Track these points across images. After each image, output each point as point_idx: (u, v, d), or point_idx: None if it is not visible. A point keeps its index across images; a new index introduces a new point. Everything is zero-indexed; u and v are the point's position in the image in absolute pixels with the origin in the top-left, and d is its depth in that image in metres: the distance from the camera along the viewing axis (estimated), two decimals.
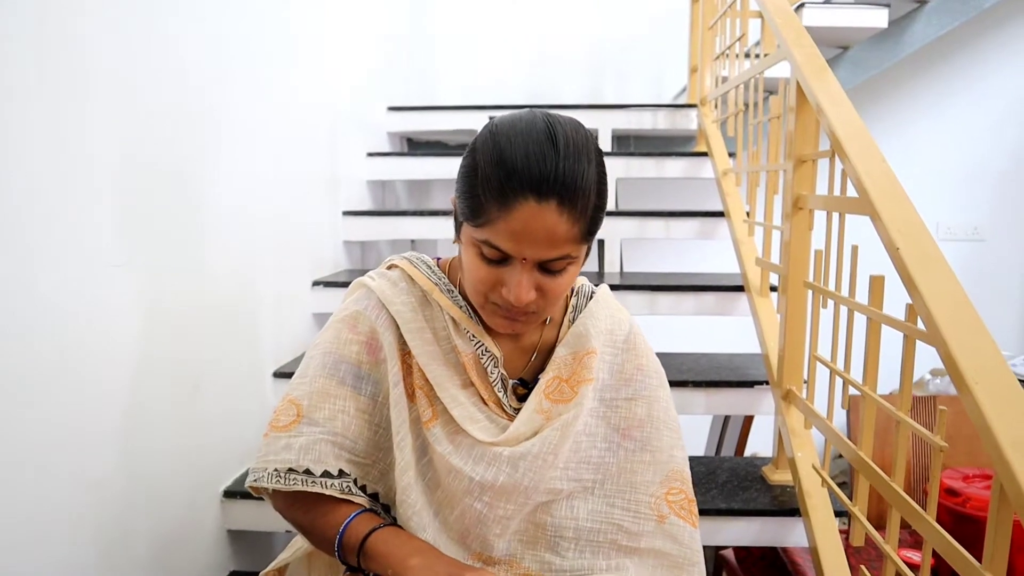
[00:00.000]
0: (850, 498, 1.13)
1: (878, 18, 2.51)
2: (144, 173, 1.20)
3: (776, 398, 1.48)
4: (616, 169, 2.40)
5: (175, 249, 1.30)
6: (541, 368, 0.93)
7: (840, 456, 2.92)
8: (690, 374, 1.74)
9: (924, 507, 0.90)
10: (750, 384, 1.69)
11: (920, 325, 0.91)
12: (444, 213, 2.21)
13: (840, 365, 1.20)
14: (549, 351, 0.94)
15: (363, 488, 0.90)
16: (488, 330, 0.91)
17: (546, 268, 0.79)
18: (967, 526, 1.54)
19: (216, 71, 1.43)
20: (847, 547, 1.24)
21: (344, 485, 0.87)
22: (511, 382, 0.93)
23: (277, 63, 1.73)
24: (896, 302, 1.01)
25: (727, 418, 2.35)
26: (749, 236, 1.89)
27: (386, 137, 2.77)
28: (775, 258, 1.58)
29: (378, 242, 2.55)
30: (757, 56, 1.77)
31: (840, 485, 1.22)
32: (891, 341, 1.03)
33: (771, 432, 1.56)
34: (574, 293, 0.98)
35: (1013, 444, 0.70)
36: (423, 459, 0.89)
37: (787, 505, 1.42)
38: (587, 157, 0.76)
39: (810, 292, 1.35)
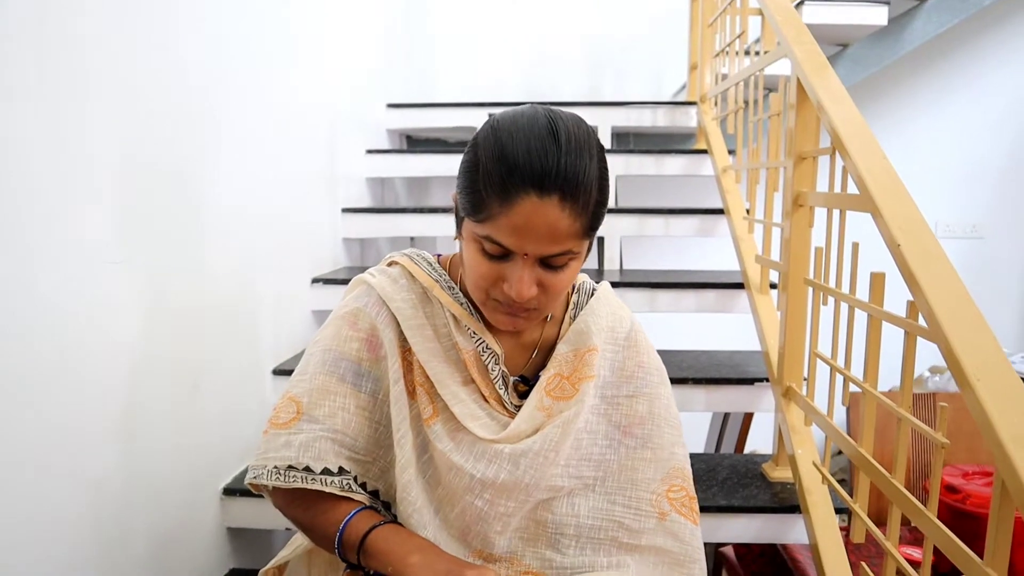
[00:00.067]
0: (850, 495, 1.13)
1: (878, 15, 2.51)
2: (144, 172, 1.20)
3: (776, 395, 1.48)
4: (616, 166, 2.40)
5: (175, 247, 1.30)
6: (542, 365, 0.93)
7: (839, 453, 2.92)
8: (690, 371, 1.74)
9: (925, 504, 0.90)
10: (750, 381, 1.69)
11: (921, 322, 0.91)
12: (443, 210, 2.21)
13: (840, 362, 1.20)
14: (550, 348, 0.94)
15: (363, 486, 0.90)
16: (489, 327, 0.91)
17: (548, 264, 0.79)
18: (967, 523, 1.54)
19: (216, 70, 1.43)
20: (847, 544, 1.24)
21: (344, 482, 0.87)
22: (512, 379, 0.93)
23: (277, 62, 1.73)
24: (895, 299, 1.01)
25: (727, 415, 2.35)
26: (749, 233, 1.89)
27: (385, 134, 2.77)
28: (775, 255, 1.58)
29: (377, 239, 2.55)
30: (757, 53, 1.77)
31: (839, 483, 1.22)
32: (891, 338, 1.03)
33: (770, 429, 1.56)
34: (575, 290, 0.98)
35: (1015, 440, 0.70)
36: (423, 456, 0.89)
37: (787, 502, 1.42)
38: (589, 152, 0.76)
39: (810, 289, 1.35)
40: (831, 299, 1.24)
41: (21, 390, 0.95)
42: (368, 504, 0.89)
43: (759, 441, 2.36)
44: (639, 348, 0.96)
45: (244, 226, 1.54)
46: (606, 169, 0.80)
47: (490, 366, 0.91)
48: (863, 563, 1.07)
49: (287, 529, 1.47)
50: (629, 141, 3.18)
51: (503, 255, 0.78)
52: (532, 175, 0.73)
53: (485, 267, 0.80)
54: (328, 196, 2.13)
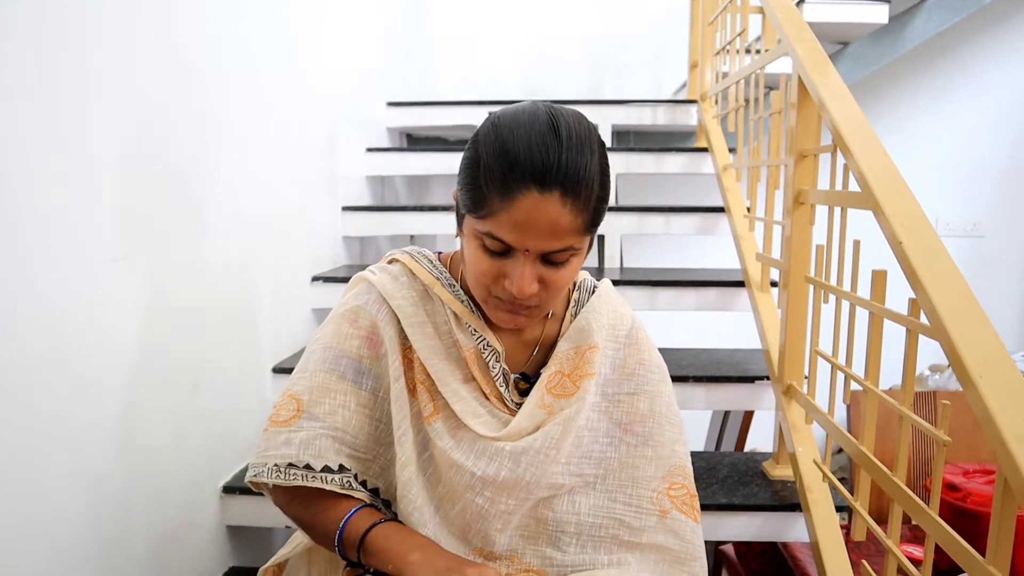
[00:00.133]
0: (850, 493, 1.13)
1: (878, 14, 2.51)
2: (144, 171, 1.19)
3: (777, 393, 1.48)
4: (616, 165, 2.39)
5: (175, 246, 1.29)
6: (543, 363, 0.93)
7: (839, 452, 2.92)
8: (690, 369, 1.74)
9: (925, 502, 0.90)
10: (750, 379, 1.69)
11: (923, 319, 0.91)
12: (443, 208, 2.21)
13: (841, 360, 1.19)
14: (551, 346, 0.94)
15: (363, 483, 0.90)
16: (490, 324, 0.91)
17: (549, 260, 0.79)
18: (967, 521, 1.54)
19: (216, 70, 1.42)
20: (847, 542, 1.24)
21: (344, 480, 0.87)
22: (513, 377, 0.93)
23: (277, 61, 1.72)
24: (896, 297, 1.01)
25: (727, 414, 2.35)
26: (750, 231, 1.89)
27: (385, 133, 2.76)
28: (775, 253, 1.57)
29: (377, 238, 2.54)
30: (758, 51, 1.77)
31: (839, 481, 1.22)
32: (892, 337, 1.03)
33: (770, 428, 1.55)
34: (576, 288, 0.98)
35: (1017, 438, 0.70)
36: (424, 454, 0.89)
37: (788, 500, 1.42)
38: (590, 148, 0.76)
39: (811, 287, 1.35)
40: (832, 297, 1.24)
41: (21, 389, 0.95)
42: (368, 502, 0.88)
43: (759, 439, 2.36)
44: (640, 345, 0.96)
45: (244, 225, 1.54)
46: (607, 165, 0.80)
47: (491, 363, 0.90)
48: (864, 561, 1.07)
49: (287, 527, 1.47)
50: (629, 139, 3.18)
51: (504, 251, 0.78)
52: (533, 171, 0.73)
53: (486, 264, 0.80)
54: (328, 194, 2.13)
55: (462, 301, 0.91)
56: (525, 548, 0.89)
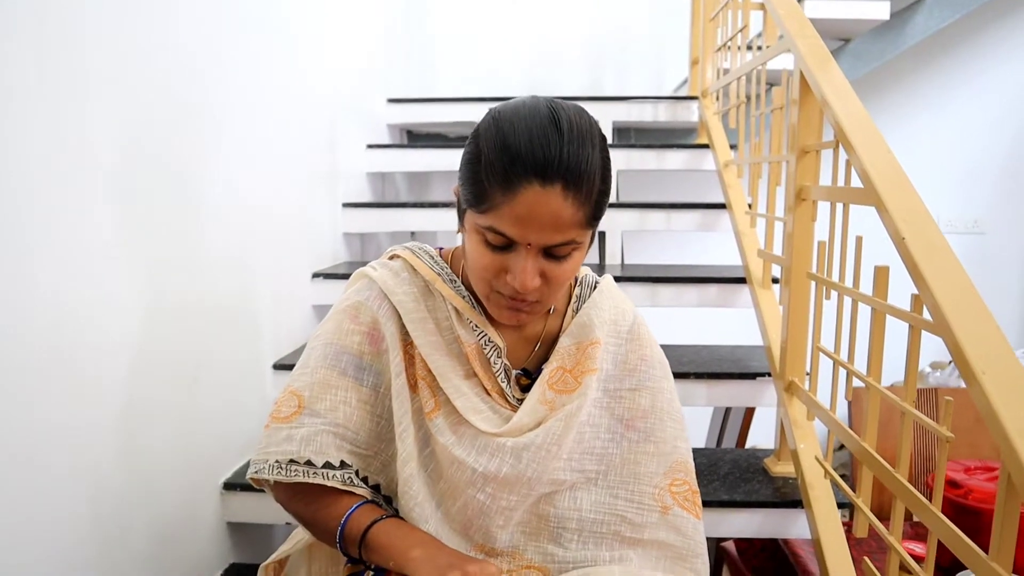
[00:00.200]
0: (852, 490, 1.12)
1: (879, 10, 2.51)
2: (144, 170, 1.19)
3: (778, 390, 1.48)
4: (617, 161, 2.39)
5: (175, 245, 1.29)
6: (545, 358, 0.93)
7: (841, 448, 2.92)
8: (691, 366, 1.74)
9: (927, 499, 0.89)
10: (752, 376, 1.69)
11: (926, 315, 0.91)
12: (444, 205, 2.21)
13: (843, 356, 1.19)
14: (553, 341, 0.94)
15: (365, 480, 0.89)
16: (491, 320, 0.90)
17: (551, 254, 0.78)
18: (969, 518, 1.53)
19: (216, 68, 1.42)
20: (849, 539, 1.23)
21: (346, 476, 0.87)
22: (514, 372, 0.92)
23: (277, 59, 1.72)
24: (897, 294, 1.01)
25: (728, 410, 2.35)
26: (751, 228, 1.88)
27: (386, 129, 2.76)
28: (777, 250, 1.57)
29: (378, 234, 2.54)
30: (759, 48, 1.76)
31: (841, 478, 1.22)
32: (893, 333, 1.02)
33: (771, 424, 1.55)
34: (577, 283, 0.98)
35: (1021, 433, 0.70)
36: (425, 450, 0.88)
37: (789, 497, 1.42)
38: (591, 142, 0.76)
39: (813, 283, 1.34)
40: (834, 293, 1.23)
41: (20, 388, 0.95)
42: (370, 498, 0.88)
43: (760, 436, 2.36)
44: (642, 341, 0.96)
45: (244, 222, 1.54)
46: (608, 159, 0.79)
47: (492, 359, 0.90)
48: (865, 558, 1.07)
49: (288, 524, 1.47)
50: (631, 136, 3.17)
51: (506, 246, 0.78)
52: (535, 164, 0.73)
53: (488, 258, 0.79)
54: (328, 191, 2.13)
55: (463, 297, 0.91)
56: (527, 544, 0.89)
